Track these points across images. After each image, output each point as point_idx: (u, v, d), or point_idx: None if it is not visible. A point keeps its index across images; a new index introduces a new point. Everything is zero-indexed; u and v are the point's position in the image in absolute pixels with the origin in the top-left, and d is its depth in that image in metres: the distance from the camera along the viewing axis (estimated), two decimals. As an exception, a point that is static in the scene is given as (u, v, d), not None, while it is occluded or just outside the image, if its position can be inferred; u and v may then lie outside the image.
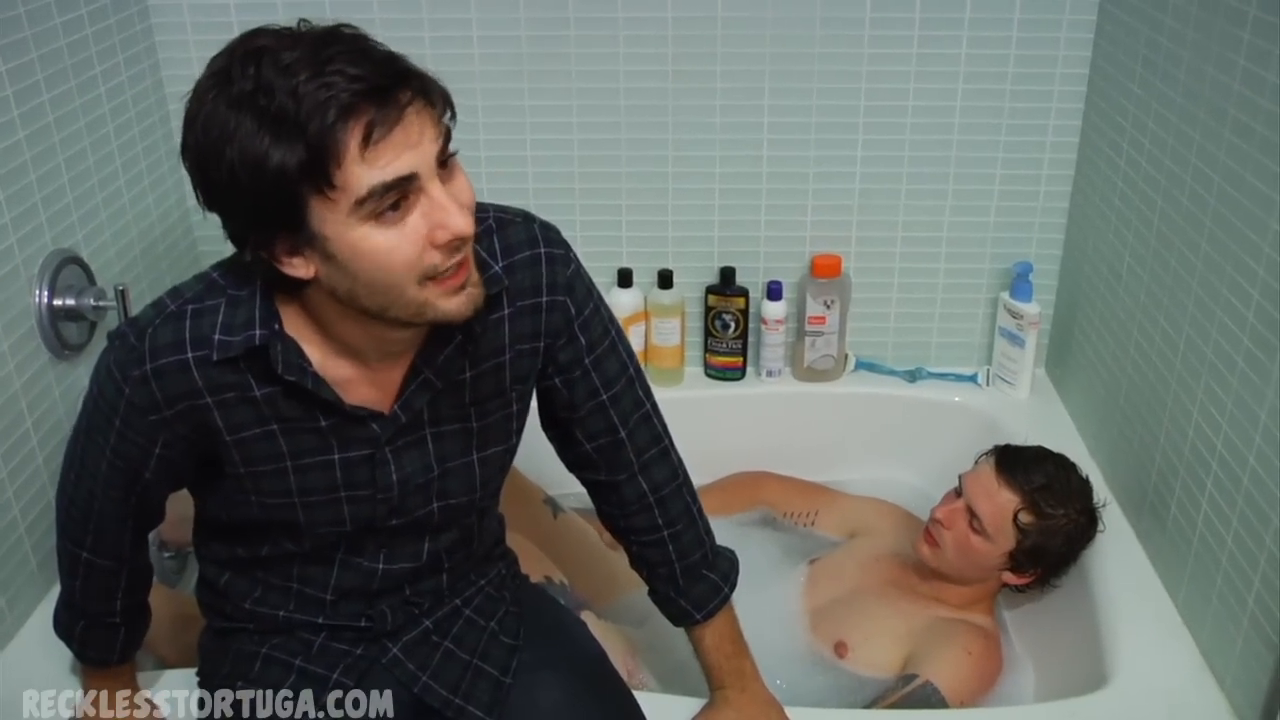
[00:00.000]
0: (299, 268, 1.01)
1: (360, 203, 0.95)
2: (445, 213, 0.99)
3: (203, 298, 1.11)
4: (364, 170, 0.94)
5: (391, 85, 0.95)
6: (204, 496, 1.27)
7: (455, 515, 1.28)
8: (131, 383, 1.11)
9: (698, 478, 1.44)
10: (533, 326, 1.22)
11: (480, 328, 1.15)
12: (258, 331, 1.08)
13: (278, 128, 0.92)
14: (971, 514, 1.67)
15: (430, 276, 1.01)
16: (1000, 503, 1.65)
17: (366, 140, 0.93)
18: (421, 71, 0.98)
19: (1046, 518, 1.64)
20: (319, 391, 1.12)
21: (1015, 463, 1.68)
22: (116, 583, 1.31)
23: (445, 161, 1.00)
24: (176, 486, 1.26)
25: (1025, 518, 1.64)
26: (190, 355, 1.10)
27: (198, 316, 1.10)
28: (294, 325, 1.11)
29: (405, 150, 0.95)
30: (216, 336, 1.09)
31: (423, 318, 1.05)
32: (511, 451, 1.31)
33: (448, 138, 1.00)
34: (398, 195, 0.96)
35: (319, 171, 0.93)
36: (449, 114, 1.00)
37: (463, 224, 1.00)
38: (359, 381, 1.15)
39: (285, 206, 0.95)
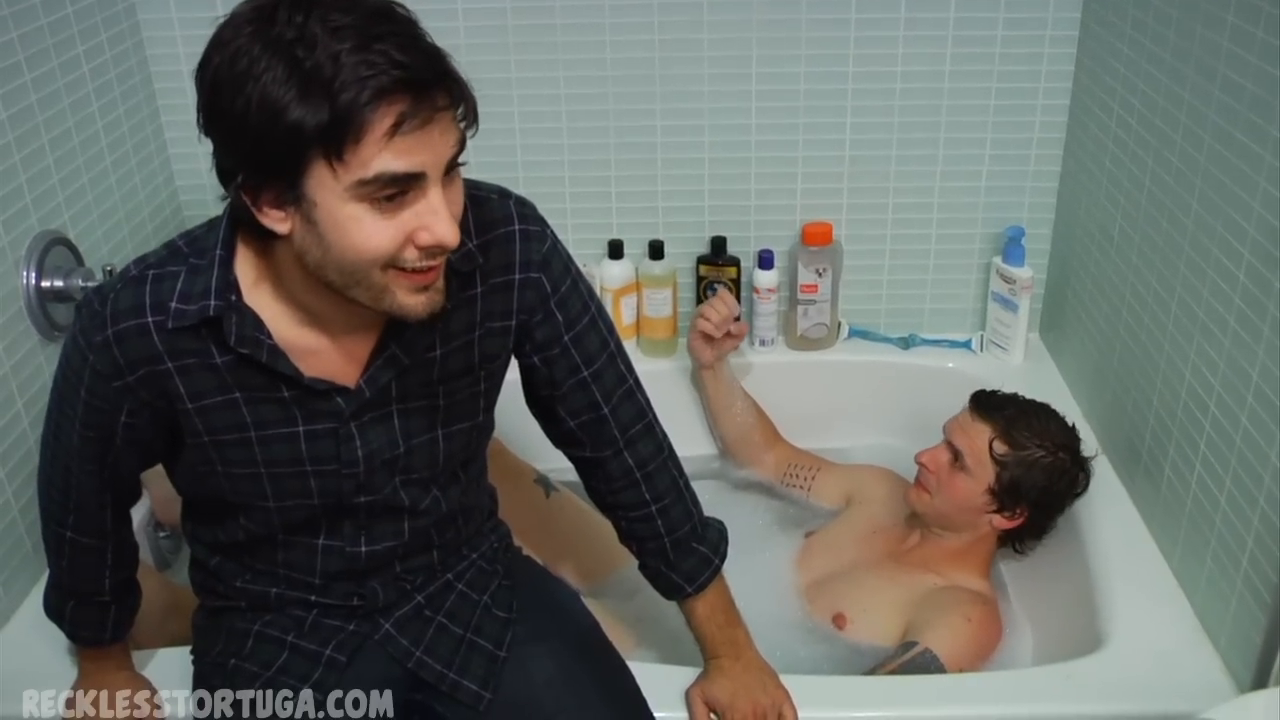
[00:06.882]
0: (277, 221, 1.01)
1: (363, 183, 0.96)
2: (437, 219, 1.00)
3: (164, 263, 1.12)
4: (381, 156, 0.95)
5: (432, 82, 0.95)
6: (174, 471, 1.27)
7: (418, 491, 1.28)
8: (95, 349, 1.12)
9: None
10: (504, 304, 1.22)
11: (451, 305, 1.15)
12: (212, 302, 1.08)
13: (307, 85, 0.92)
14: (953, 452, 1.72)
15: (398, 266, 1.02)
16: (975, 435, 1.71)
17: (394, 129, 0.94)
18: (460, 76, 0.99)
19: (1020, 447, 1.69)
20: (275, 365, 1.12)
21: (989, 399, 1.76)
22: (102, 560, 1.32)
23: (451, 169, 1.01)
24: (148, 459, 1.25)
25: (999, 447, 1.69)
26: (150, 320, 1.10)
27: (158, 281, 1.10)
28: (260, 292, 1.11)
29: (425, 149, 0.96)
30: (173, 304, 1.09)
31: (381, 305, 1.05)
32: (478, 428, 1.30)
33: (462, 146, 1.01)
34: (400, 188, 0.97)
35: (335, 141, 0.93)
36: (472, 124, 1.01)
37: (451, 234, 1.01)
38: (325, 353, 1.14)
39: (287, 160, 0.95)
